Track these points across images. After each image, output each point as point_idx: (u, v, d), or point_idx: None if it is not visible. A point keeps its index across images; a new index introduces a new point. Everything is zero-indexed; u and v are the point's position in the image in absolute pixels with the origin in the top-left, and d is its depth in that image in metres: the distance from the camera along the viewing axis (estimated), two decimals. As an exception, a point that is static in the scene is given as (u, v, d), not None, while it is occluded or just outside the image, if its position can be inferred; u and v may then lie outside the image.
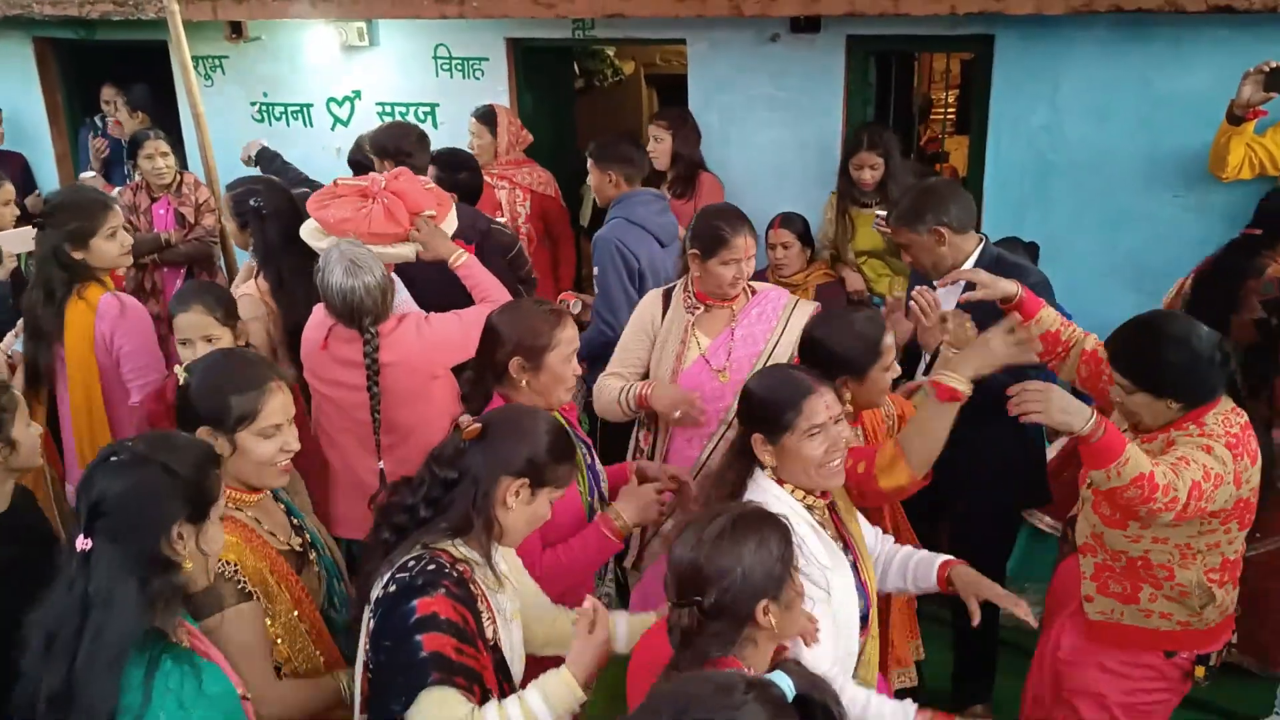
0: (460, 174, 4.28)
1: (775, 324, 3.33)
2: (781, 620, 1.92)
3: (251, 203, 3.72)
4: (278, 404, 2.35)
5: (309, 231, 3.47)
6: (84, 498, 1.86)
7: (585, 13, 5.11)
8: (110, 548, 1.80)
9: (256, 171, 4.89)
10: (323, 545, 2.59)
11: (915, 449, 2.50)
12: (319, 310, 3.26)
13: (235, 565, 2.20)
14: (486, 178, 4.74)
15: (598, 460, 2.93)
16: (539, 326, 2.72)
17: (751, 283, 3.42)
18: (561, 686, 2.06)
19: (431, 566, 2.03)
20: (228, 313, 3.24)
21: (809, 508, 2.37)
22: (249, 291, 3.71)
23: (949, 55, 7.58)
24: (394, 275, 3.42)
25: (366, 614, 2.07)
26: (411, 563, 2.04)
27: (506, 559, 2.29)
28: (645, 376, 3.32)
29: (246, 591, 2.21)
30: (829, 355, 2.70)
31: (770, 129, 5.12)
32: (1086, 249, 4.59)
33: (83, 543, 1.81)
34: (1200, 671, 2.67)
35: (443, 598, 1.99)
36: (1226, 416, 2.54)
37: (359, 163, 4.85)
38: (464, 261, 3.45)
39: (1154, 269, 4.52)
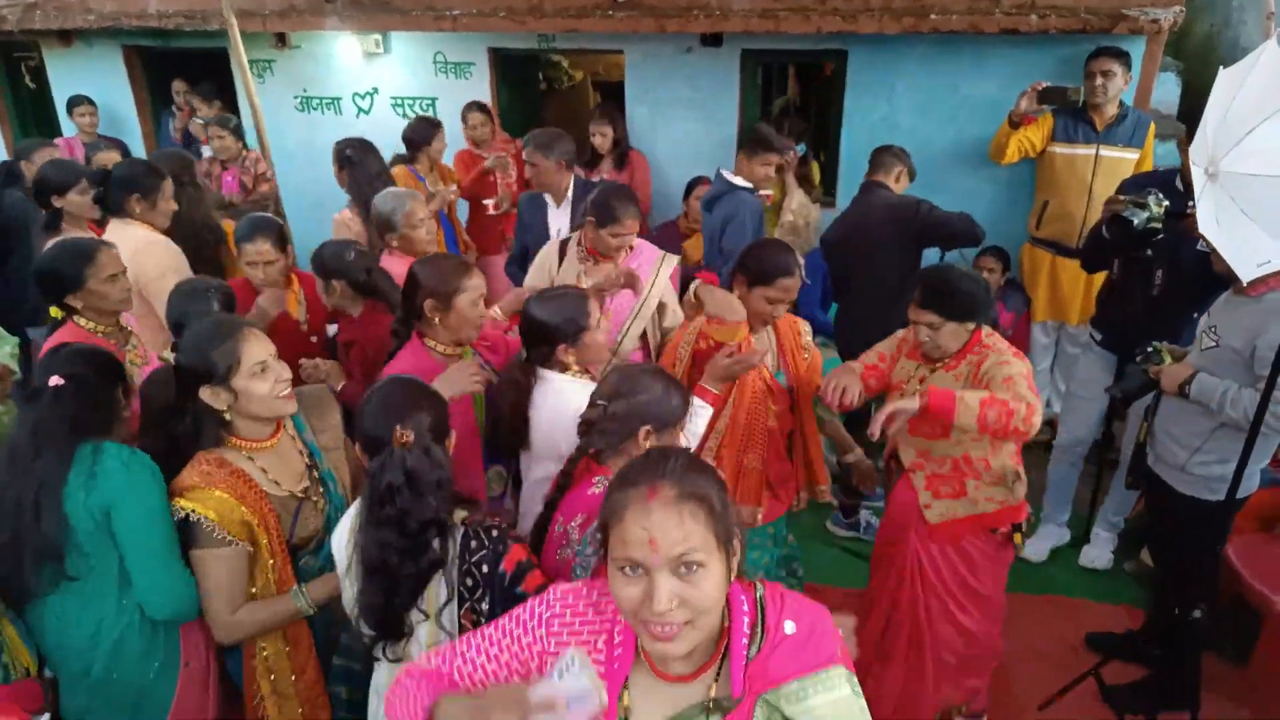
0: None
1: (649, 277, 3.54)
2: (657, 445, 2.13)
3: (346, 152, 4.57)
4: (255, 347, 2.29)
5: None
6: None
7: (548, 29, 5.79)
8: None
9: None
10: (335, 483, 2.56)
11: None
12: None
13: (215, 521, 2.21)
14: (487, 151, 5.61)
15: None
16: (448, 275, 2.80)
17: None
18: None
19: (492, 530, 2.02)
20: (280, 241, 3.58)
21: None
22: (342, 220, 4.48)
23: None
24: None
25: (451, 614, 2.01)
26: (471, 544, 2.00)
27: None
28: None
29: (225, 540, 2.23)
30: (747, 258, 2.97)
31: (685, 121, 5.85)
32: (913, 210, 5.36)
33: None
34: (1018, 538, 2.94)
35: (514, 546, 2.01)
36: (992, 333, 2.82)
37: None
38: None
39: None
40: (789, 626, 1.44)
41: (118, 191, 3.80)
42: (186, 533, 2.24)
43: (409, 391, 2.17)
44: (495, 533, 2.01)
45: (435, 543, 2.01)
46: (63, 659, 2.28)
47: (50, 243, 3.42)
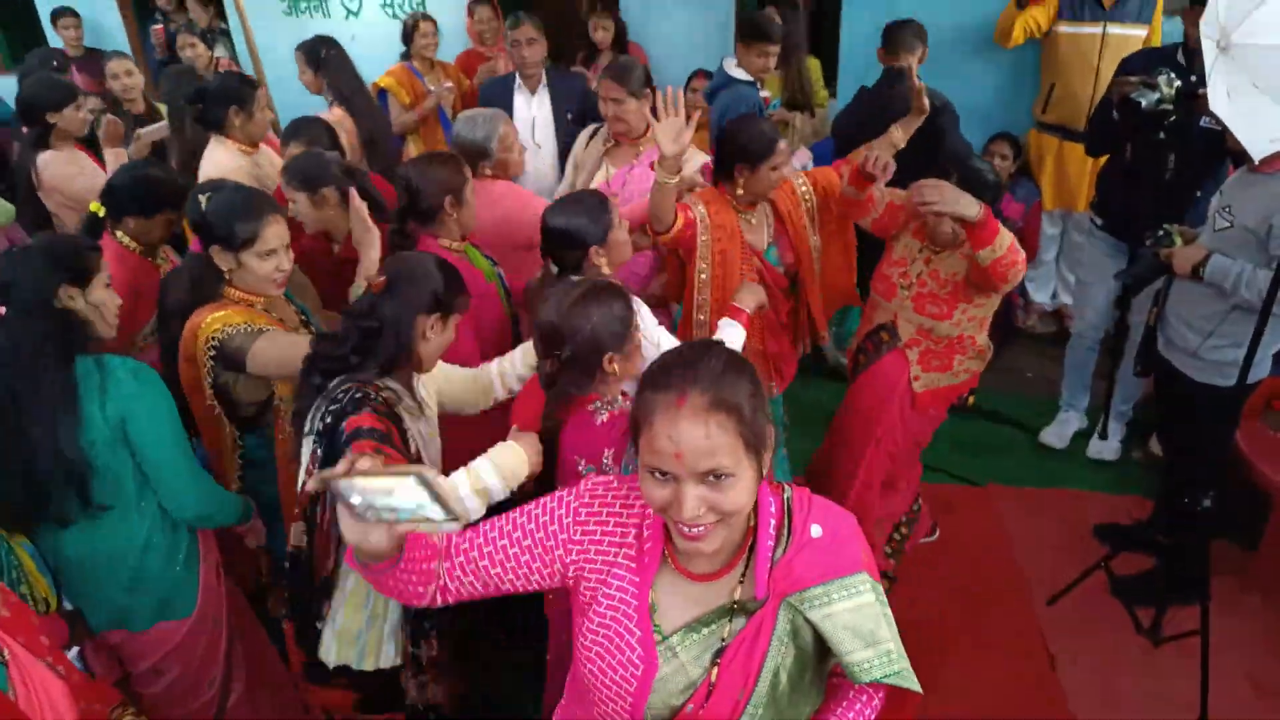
0: None
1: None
2: (623, 367, 2.10)
3: (321, 52, 4.33)
4: (272, 233, 2.48)
5: None
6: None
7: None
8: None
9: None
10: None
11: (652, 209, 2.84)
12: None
13: (245, 323, 2.41)
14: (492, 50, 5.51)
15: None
16: (455, 170, 2.86)
17: None
18: (509, 454, 2.07)
19: (359, 394, 2.03)
20: (331, 145, 3.46)
21: None
22: (331, 118, 4.06)
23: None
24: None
25: (308, 446, 2.08)
26: (340, 394, 2.05)
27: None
28: None
29: (263, 330, 2.41)
30: (735, 145, 2.91)
31: (680, 10, 5.73)
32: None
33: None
34: (971, 399, 3.20)
35: (368, 414, 2.00)
36: None
37: None
38: None
39: (968, 104, 4.92)
40: (815, 530, 1.43)
41: (216, 106, 3.70)
42: (229, 353, 2.38)
43: (418, 257, 2.27)
44: (359, 395, 2.04)
45: (333, 381, 2.12)
46: (93, 568, 2.27)
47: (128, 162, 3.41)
